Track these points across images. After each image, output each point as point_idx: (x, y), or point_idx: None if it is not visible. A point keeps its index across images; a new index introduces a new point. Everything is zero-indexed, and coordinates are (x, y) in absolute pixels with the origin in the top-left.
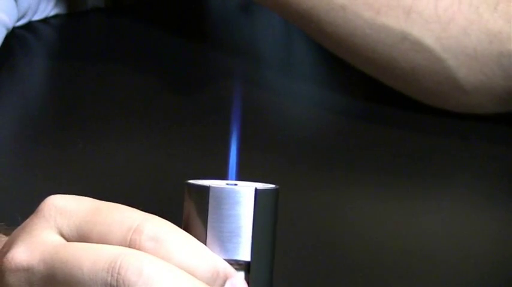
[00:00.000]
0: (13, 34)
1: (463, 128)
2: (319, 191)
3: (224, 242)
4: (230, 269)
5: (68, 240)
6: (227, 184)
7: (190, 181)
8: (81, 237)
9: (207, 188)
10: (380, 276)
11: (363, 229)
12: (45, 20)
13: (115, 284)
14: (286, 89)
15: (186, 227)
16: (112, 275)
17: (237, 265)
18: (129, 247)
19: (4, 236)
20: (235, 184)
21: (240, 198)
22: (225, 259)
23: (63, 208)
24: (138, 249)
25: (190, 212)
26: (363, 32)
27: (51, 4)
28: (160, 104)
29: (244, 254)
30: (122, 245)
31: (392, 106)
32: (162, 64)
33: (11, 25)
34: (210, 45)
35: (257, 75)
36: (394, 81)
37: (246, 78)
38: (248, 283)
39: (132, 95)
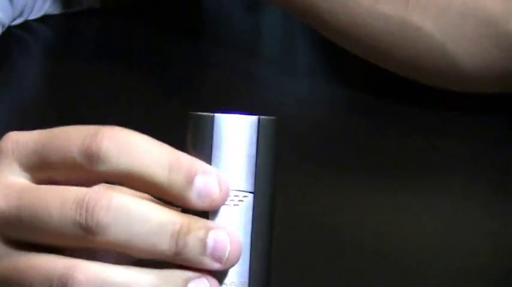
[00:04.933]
0: (10, 34)
1: (463, 126)
2: (319, 189)
3: (228, 173)
4: (201, 165)
5: (30, 170)
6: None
7: (194, 112)
8: (42, 161)
9: (211, 117)
10: (382, 275)
11: (364, 227)
12: (42, 20)
13: (84, 222)
14: (287, 86)
15: None
16: (81, 214)
17: (241, 196)
18: (87, 152)
19: None
20: None
21: (243, 125)
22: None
23: (19, 139)
24: (96, 152)
25: (193, 144)
26: (364, 21)
27: (48, 3)
28: (159, 103)
29: (248, 184)
30: (81, 153)
31: (395, 103)
32: (160, 64)
33: (7, 22)
34: (209, 45)
35: (258, 73)
36: (396, 67)
37: (246, 77)
38: (253, 214)
39: (130, 95)
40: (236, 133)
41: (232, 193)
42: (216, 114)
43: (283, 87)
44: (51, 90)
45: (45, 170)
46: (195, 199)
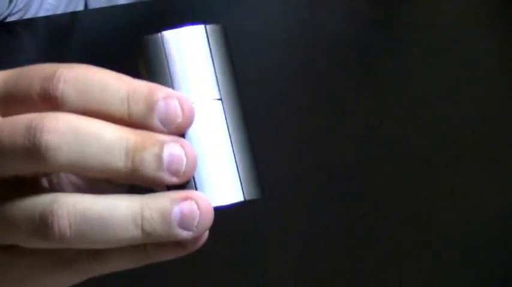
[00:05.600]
0: None
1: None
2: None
3: (190, 86)
4: (160, 90)
5: (2, 109)
6: None
7: (142, 37)
8: (9, 100)
9: (160, 35)
10: None
11: None
12: (27, 22)
13: (32, 146)
14: None
15: None
16: (29, 139)
17: (210, 106)
18: (45, 97)
19: None
20: None
21: (192, 35)
22: None
23: None
24: (54, 96)
25: (148, 68)
26: None
27: None
28: None
29: (213, 91)
30: (40, 98)
31: None
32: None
33: None
34: None
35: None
36: None
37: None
38: (226, 120)
39: None
40: (188, 45)
41: (199, 105)
42: (164, 32)
43: None
44: None
45: (14, 108)
46: (159, 126)
